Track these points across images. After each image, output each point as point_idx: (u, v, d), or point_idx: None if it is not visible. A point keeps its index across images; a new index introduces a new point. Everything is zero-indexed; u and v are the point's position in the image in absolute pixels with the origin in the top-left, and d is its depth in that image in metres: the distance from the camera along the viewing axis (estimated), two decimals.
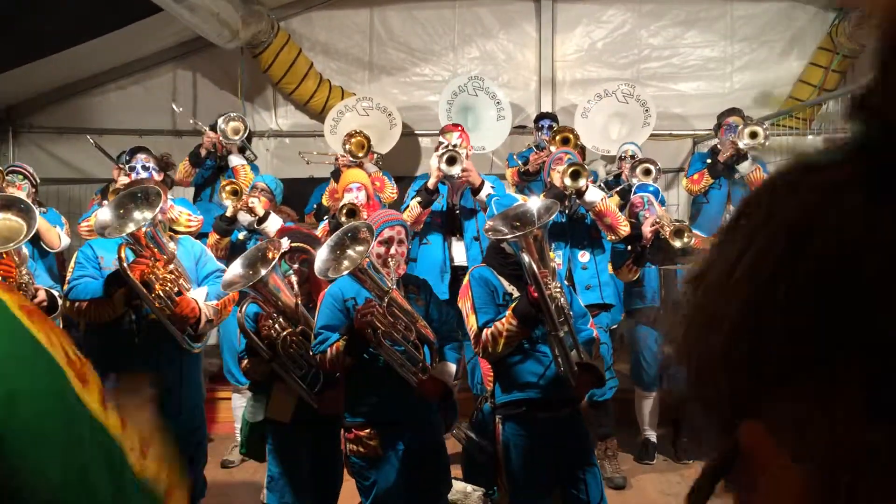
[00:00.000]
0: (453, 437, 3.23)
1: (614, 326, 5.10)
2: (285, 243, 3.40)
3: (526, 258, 2.67)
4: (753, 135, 5.37)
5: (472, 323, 2.95)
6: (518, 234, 2.72)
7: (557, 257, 4.55)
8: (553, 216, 2.79)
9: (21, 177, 5.00)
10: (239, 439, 3.31)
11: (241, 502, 3.29)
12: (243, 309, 2.95)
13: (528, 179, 5.68)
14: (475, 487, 3.85)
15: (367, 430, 2.94)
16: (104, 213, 3.08)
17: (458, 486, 3.74)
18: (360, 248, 2.76)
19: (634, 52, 7.44)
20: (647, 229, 4.58)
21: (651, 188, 4.88)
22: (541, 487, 2.95)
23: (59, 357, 0.74)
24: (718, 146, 5.65)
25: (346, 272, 2.68)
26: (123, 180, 5.50)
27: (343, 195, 4.57)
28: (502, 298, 3.01)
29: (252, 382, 3.22)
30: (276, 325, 2.91)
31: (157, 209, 3.00)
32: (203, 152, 5.52)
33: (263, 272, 2.81)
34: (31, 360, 0.72)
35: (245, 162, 5.53)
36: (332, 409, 3.06)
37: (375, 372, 2.90)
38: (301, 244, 3.22)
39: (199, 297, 3.20)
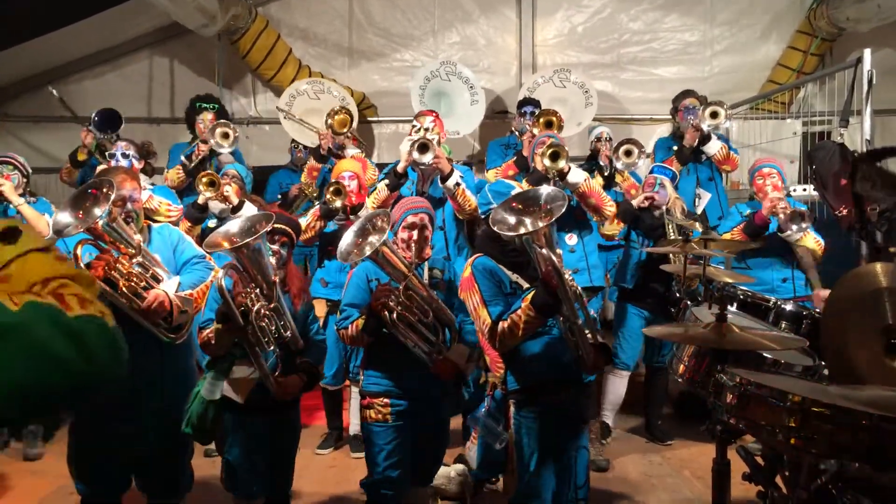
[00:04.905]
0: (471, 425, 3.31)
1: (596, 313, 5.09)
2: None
3: (545, 251, 2.62)
4: (714, 115, 5.38)
5: (484, 316, 2.90)
6: (531, 230, 2.62)
7: (570, 239, 4.54)
8: (563, 208, 2.64)
9: (11, 167, 4.78)
10: (186, 416, 3.08)
11: (224, 492, 3.26)
12: (222, 274, 2.84)
13: (526, 165, 5.50)
14: (458, 472, 3.88)
15: (381, 399, 3.14)
16: (62, 215, 2.92)
17: (443, 471, 3.77)
18: (380, 235, 2.87)
19: (615, 37, 7.46)
20: (641, 197, 4.66)
21: (668, 172, 4.82)
22: (549, 469, 2.95)
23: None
24: (681, 130, 5.66)
25: (365, 257, 2.83)
26: (90, 141, 5.41)
27: None
28: (509, 288, 2.99)
29: (209, 360, 3.05)
30: (253, 295, 2.87)
31: (110, 202, 2.86)
32: (191, 159, 5.21)
33: (248, 239, 2.79)
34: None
35: (235, 168, 5.16)
36: (287, 395, 3.04)
37: (395, 348, 3.04)
38: (283, 226, 3.18)
39: (170, 289, 3.07)
